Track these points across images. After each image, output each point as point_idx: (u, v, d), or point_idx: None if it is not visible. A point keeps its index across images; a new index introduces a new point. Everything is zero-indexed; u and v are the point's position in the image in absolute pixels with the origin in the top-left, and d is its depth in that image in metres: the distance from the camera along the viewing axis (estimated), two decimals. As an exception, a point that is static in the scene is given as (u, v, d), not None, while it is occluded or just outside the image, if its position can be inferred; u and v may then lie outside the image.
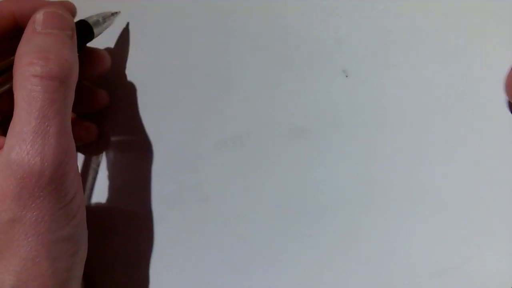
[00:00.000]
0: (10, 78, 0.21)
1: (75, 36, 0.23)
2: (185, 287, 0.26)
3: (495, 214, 0.23)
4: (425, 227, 0.24)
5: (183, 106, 0.27)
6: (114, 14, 0.26)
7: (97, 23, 0.25)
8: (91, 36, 0.24)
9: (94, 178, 0.28)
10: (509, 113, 0.23)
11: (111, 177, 0.28)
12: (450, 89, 0.23)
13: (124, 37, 0.27)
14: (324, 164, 0.25)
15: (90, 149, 0.28)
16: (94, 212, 0.27)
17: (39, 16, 0.22)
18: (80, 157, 0.28)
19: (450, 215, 0.23)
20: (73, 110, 0.22)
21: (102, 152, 0.28)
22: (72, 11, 0.24)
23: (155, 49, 0.27)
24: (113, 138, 0.28)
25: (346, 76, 0.25)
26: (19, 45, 0.21)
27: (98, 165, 0.28)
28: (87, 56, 0.25)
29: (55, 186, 0.20)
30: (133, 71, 0.27)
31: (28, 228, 0.20)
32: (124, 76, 0.28)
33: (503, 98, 0.23)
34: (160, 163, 0.27)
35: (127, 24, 0.27)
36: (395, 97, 0.24)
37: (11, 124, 0.20)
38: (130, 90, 0.27)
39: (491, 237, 0.23)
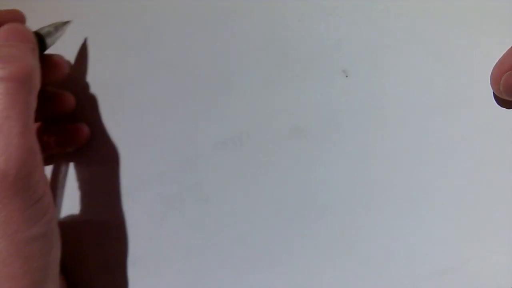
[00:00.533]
0: None
1: (37, 49, 0.23)
2: (184, 287, 0.26)
3: (495, 214, 0.23)
4: (425, 227, 0.24)
5: (183, 106, 0.27)
6: (66, 23, 0.26)
7: (49, 33, 0.25)
8: (43, 47, 0.25)
9: (91, 176, 0.28)
10: (510, 113, 0.23)
11: (111, 177, 0.28)
12: (450, 89, 0.23)
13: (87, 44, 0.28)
14: (324, 164, 0.25)
15: (90, 148, 0.28)
16: (94, 212, 0.27)
17: (1, 31, 0.23)
18: (79, 156, 0.28)
19: (450, 215, 0.23)
20: (41, 114, 0.22)
21: (101, 151, 0.28)
22: (21, 19, 0.25)
23: (155, 48, 0.27)
24: (113, 138, 0.28)
25: (346, 76, 0.25)
26: None
27: (96, 164, 0.28)
28: (44, 63, 0.26)
29: (21, 185, 0.20)
30: (133, 71, 0.27)
31: None
32: (125, 75, 0.28)
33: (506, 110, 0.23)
34: (160, 163, 0.27)
35: (85, 40, 0.28)
36: (395, 97, 0.24)
37: None
38: (129, 90, 0.27)
39: (491, 237, 0.23)
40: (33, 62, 0.22)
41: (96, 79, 0.28)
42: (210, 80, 0.26)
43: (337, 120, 0.25)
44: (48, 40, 0.25)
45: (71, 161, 0.28)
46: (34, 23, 0.25)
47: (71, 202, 0.27)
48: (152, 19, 0.27)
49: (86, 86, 0.28)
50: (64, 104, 0.27)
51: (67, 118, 0.28)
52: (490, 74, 0.23)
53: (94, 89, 0.28)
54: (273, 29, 0.25)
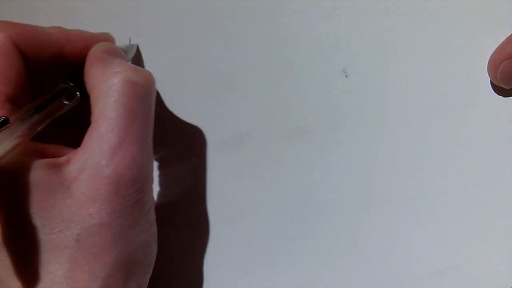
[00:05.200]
0: (54, 110, 0.22)
1: None
2: (184, 287, 0.26)
3: (495, 214, 0.23)
4: (425, 227, 0.24)
5: (183, 106, 0.27)
6: (135, 45, 0.26)
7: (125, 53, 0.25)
8: None
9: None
10: (510, 113, 0.23)
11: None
12: (450, 89, 0.23)
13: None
14: (324, 164, 0.25)
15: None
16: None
17: (99, 47, 0.23)
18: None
19: (450, 215, 0.23)
20: None
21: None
22: (112, 40, 0.25)
23: (155, 49, 0.27)
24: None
25: (346, 76, 0.25)
26: (91, 65, 0.22)
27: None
28: None
29: (143, 195, 0.21)
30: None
31: (116, 233, 0.20)
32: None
33: (503, 97, 0.23)
34: (160, 163, 0.27)
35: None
36: (395, 97, 0.24)
37: (96, 129, 0.20)
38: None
39: (491, 237, 0.23)
40: None
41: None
42: (210, 80, 0.26)
43: (337, 120, 0.25)
44: None
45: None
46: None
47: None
48: (152, 19, 0.27)
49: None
50: None
51: None
52: (487, 62, 0.22)
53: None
54: (273, 29, 0.25)
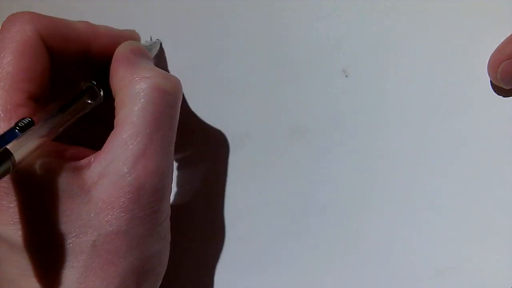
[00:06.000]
0: (77, 110, 0.21)
1: None
2: (184, 287, 0.26)
3: (495, 214, 0.23)
4: (425, 227, 0.24)
5: (183, 106, 0.27)
6: (158, 41, 0.26)
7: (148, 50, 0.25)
8: None
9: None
10: (510, 113, 0.23)
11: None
12: (450, 89, 0.23)
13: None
14: (324, 164, 0.25)
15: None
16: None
17: (126, 46, 0.22)
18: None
19: (450, 215, 0.23)
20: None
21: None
22: (138, 38, 0.25)
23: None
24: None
25: (346, 76, 0.25)
26: (118, 66, 0.21)
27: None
28: None
29: (161, 204, 0.20)
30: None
31: (132, 241, 0.20)
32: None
33: (503, 97, 0.23)
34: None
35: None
36: (395, 97, 0.24)
37: (119, 135, 0.20)
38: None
39: (491, 237, 0.23)
40: None
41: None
42: (210, 80, 0.26)
43: (337, 120, 0.25)
44: None
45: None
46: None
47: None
48: (151, 20, 0.27)
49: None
50: None
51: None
52: (487, 62, 0.22)
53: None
54: (273, 29, 0.25)
